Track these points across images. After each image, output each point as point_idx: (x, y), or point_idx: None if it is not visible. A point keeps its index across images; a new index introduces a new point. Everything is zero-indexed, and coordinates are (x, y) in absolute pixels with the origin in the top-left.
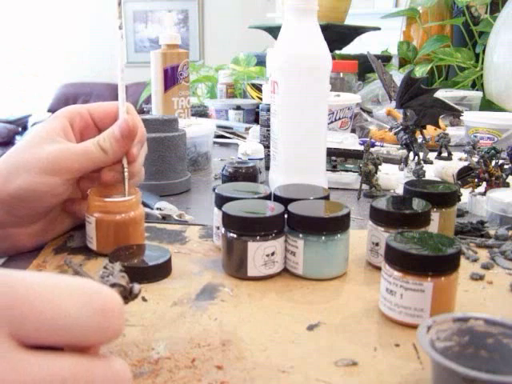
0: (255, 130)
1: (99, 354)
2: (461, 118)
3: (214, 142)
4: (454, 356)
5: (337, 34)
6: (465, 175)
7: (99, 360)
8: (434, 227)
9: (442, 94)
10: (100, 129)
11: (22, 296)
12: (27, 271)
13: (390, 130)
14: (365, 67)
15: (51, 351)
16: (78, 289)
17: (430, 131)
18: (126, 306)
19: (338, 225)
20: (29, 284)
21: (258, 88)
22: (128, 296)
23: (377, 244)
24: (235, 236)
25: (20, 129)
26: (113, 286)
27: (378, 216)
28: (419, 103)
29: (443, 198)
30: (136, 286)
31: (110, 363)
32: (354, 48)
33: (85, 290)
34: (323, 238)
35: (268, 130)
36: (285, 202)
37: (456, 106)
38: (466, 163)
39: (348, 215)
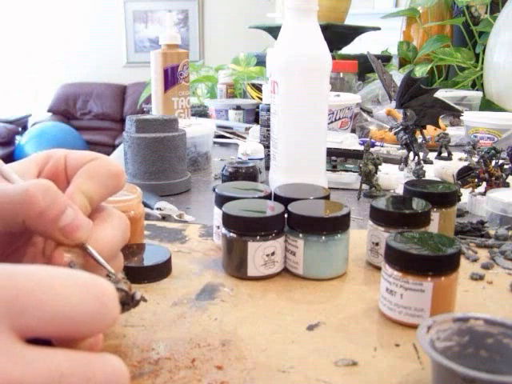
0: (255, 129)
1: (97, 349)
2: (461, 117)
3: (214, 142)
4: (454, 356)
5: (337, 34)
6: (465, 175)
7: (96, 356)
8: (433, 227)
9: (441, 94)
10: (68, 178)
11: (23, 287)
12: (25, 264)
13: (390, 129)
14: (365, 67)
15: (48, 347)
16: (76, 278)
17: (430, 131)
18: None
19: (337, 225)
20: (28, 275)
21: (258, 88)
22: (130, 302)
23: (377, 244)
24: (235, 236)
25: (20, 129)
26: (116, 290)
27: (377, 216)
28: (419, 103)
29: (443, 198)
30: (138, 293)
31: (107, 359)
32: (354, 48)
33: (82, 279)
34: (323, 237)
35: (268, 130)
36: (285, 201)
37: (456, 106)
38: (466, 163)
39: (348, 215)
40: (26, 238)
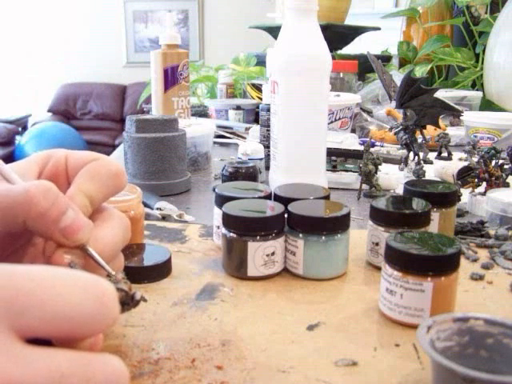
0: (255, 129)
1: (97, 349)
2: (461, 117)
3: (214, 142)
4: (454, 356)
5: (337, 34)
6: (465, 175)
7: (96, 356)
8: (433, 227)
9: (441, 94)
10: (69, 178)
11: (23, 287)
12: (25, 264)
13: (390, 129)
14: (365, 67)
15: (48, 347)
16: (77, 278)
17: (430, 131)
18: None
19: (338, 225)
20: (29, 275)
21: (258, 88)
22: (130, 302)
23: (377, 244)
24: (235, 236)
25: (20, 129)
26: (116, 290)
27: (378, 216)
28: (419, 103)
29: (443, 197)
30: (138, 293)
31: (107, 359)
32: (354, 48)
33: (83, 279)
34: (323, 237)
35: (268, 130)
36: (285, 201)
37: (456, 106)
38: (466, 163)
39: (348, 215)
40: (26, 238)
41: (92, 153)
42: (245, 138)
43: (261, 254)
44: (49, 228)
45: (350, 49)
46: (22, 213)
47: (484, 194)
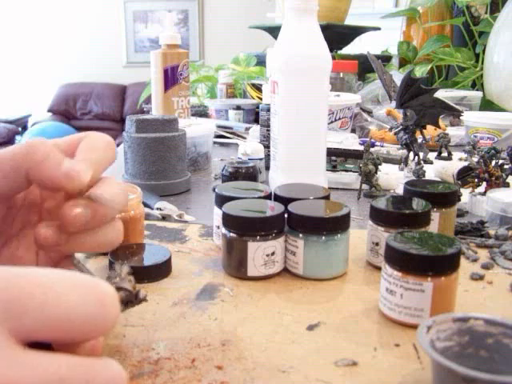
0: (255, 129)
1: (97, 353)
2: (461, 117)
3: (214, 142)
4: (454, 356)
5: (337, 34)
6: (465, 175)
7: (96, 360)
8: (434, 227)
9: (441, 94)
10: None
11: (23, 288)
12: (25, 267)
13: (390, 130)
14: (365, 67)
15: (48, 351)
16: (78, 280)
17: (430, 131)
18: None
19: (338, 225)
20: (28, 277)
21: (258, 88)
22: (133, 300)
23: (377, 244)
24: (235, 236)
25: (20, 129)
26: (119, 289)
27: (378, 216)
28: (419, 103)
29: (443, 197)
30: (142, 291)
31: (107, 364)
32: (354, 48)
33: (83, 281)
34: (323, 237)
35: (268, 130)
36: (285, 201)
37: (456, 106)
38: (466, 163)
39: (348, 215)
40: (19, 227)
41: (79, 133)
42: (245, 137)
43: (261, 253)
44: (52, 171)
45: (349, 49)
46: (25, 162)
47: (484, 194)
